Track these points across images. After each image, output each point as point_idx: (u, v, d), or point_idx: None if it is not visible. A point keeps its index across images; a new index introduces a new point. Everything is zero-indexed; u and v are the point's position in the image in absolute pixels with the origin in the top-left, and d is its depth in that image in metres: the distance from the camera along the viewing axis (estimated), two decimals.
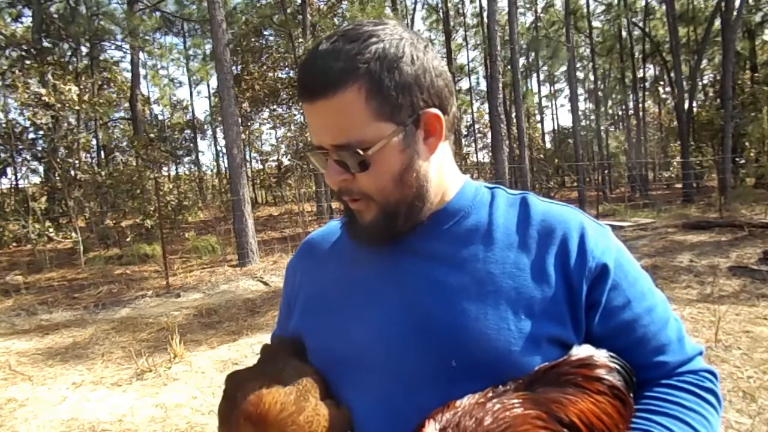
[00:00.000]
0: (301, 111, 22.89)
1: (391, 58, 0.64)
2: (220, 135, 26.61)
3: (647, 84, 24.63)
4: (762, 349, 3.60)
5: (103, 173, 12.04)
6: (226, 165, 11.70)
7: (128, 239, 11.32)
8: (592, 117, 24.44)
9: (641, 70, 23.20)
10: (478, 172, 23.56)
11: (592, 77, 24.46)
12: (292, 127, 26.01)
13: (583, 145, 21.12)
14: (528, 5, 25.06)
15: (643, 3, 21.18)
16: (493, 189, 0.78)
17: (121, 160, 19.98)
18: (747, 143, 15.68)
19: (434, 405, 0.58)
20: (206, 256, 10.01)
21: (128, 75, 18.48)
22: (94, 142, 17.87)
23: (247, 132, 24.61)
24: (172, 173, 24.14)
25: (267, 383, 0.67)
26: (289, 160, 25.19)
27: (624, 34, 21.81)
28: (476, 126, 29.08)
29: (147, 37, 19.46)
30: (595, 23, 23.93)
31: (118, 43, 18.14)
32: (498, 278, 0.67)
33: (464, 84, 30.08)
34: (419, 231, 0.72)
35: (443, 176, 0.73)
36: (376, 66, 0.63)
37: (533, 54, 24.76)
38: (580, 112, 21.68)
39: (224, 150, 14.62)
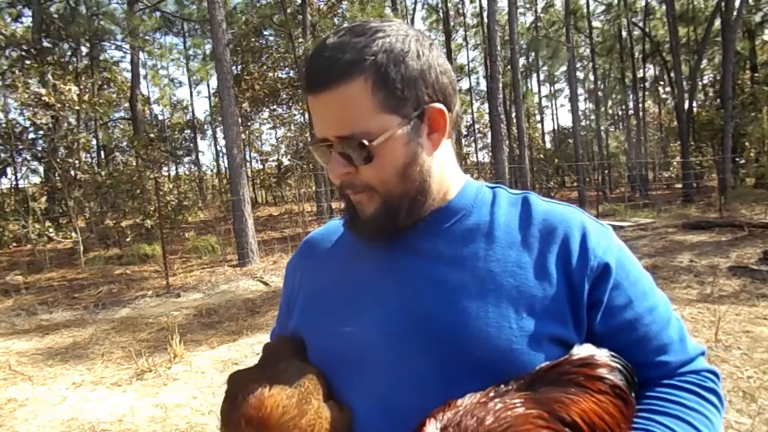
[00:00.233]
0: (301, 111, 22.97)
1: (397, 52, 0.65)
2: (220, 135, 26.64)
3: (647, 84, 24.63)
4: (762, 349, 3.60)
5: (103, 173, 12.04)
6: (226, 165, 11.71)
7: (128, 239, 11.32)
8: (592, 117, 24.45)
9: (641, 70, 23.21)
10: (478, 172, 23.55)
11: (592, 77, 24.48)
12: (292, 127, 26.04)
13: (583, 145, 21.13)
14: (528, 5, 25.07)
15: (643, 3, 21.19)
16: (495, 188, 0.79)
17: (121, 160, 19.98)
18: (747, 143, 15.68)
19: (435, 404, 0.58)
20: (206, 256, 10.01)
21: (128, 75, 18.49)
22: (94, 142, 17.88)
23: (247, 132, 24.61)
24: (172, 173, 24.15)
25: (269, 385, 0.66)
26: (289, 160, 25.19)
27: (624, 34, 21.81)
28: (476, 126, 29.08)
29: (147, 37, 19.46)
30: (595, 23, 23.97)
31: (118, 43, 18.15)
32: (499, 277, 0.67)
33: (464, 84, 30.02)
34: (420, 229, 0.72)
35: (445, 174, 0.74)
36: (382, 59, 0.64)
37: (533, 54, 24.77)
38: (580, 112, 21.69)
39: (224, 150, 14.63)
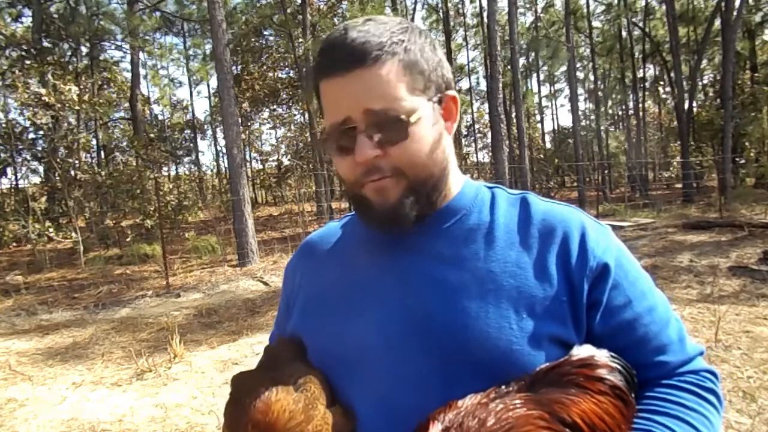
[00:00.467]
0: (301, 111, 22.96)
1: (422, 39, 0.69)
2: (220, 135, 26.64)
3: (647, 84, 24.63)
4: (762, 349, 3.60)
5: (103, 173, 12.04)
6: (226, 165, 11.71)
7: (128, 239, 11.32)
8: (592, 117, 24.44)
9: (641, 70, 23.20)
10: (478, 172, 23.56)
11: (592, 77, 24.46)
12: (292, 127, 26.07)
13: (583, 145, 21.12)
14: (528, 5, 25.06)
15: (643, 3, 21.18)
16: (493, 189, 0.79)
17: (121, 160, 19.98)
18: (747, 143, 15.67)
19: (435, 405, 0.58)
20: (206, 256, 10.01)
21: (128, 75, 18.49)
22: (94, 142, 17.88)
23: (247, 132, 24.62)
24: (172, 173, 24.14)
25: (275, 389, 0.66)
26: (289, 160, 25.21)
27: (624, 34, 21.80)
28: (476, 126, 29.08)
29: (147, 37, 19.46)
30: (595, 23, 23.96)
31: (118, 43, 18.16)
32: (499, 277, 0.67)
33: (464, 84, 30.07)
34: (420, 230, 0.72)
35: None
36: (411, 43, 0.67)
37: (533, 54, 24.77)
38: (580, 112, 21.68)
39: (224, 150, 14.63)
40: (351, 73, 0.64)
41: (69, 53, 16.71)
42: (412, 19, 22.58)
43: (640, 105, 23.19)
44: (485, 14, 14.96)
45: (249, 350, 4.47)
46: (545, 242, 0.70)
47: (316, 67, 0.69)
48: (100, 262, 9.92)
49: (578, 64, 24.69)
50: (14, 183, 14.58)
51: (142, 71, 22.06)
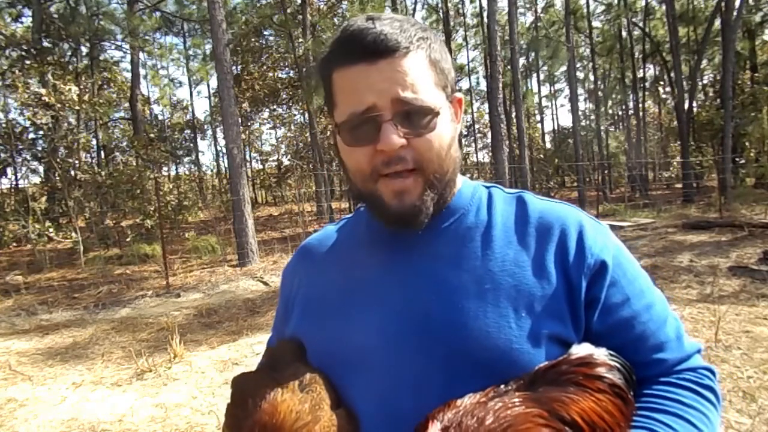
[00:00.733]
0: (301, 111, 22.96)
1: (439, 40, 0.71)
2: (220, 135, 26.64)
3: (647, 84, 24.60)
4: (762, 349, 3.60)
5: (103, 173, 12.04)
6: (226, 165, 11.71)
7: (128, 239, 11.32)
8: (592, 117, 24.44)
9: (641, 70, 23.18)
10: (478, 172, 23.57)
11: (592, 77, 24.45)
12: (292, 127, 26.06)
13: (583, 145, 21.10)
14: (528, 5, 25.07)
15: (643, 3, 21.16)
16: (490, 188, 0.79)
17: (121, 160, 19.97)
18: (747, 143, 15.65)
19: (435, 404, 0.58)
20: (206, 256, 10.01)
21: (128, 75, 18.49)
22: (94, 142, 17.86)
23: (247, 132, 24.62)
24: (172, 173, 24.15)
25: (280, 390, 0.66)
26: (289, 160, 25.22)
27: (624, 34, 21.78)
28: (476, 126, 29.08)
29: (147, 37, 19.45)
30: (595, 23, 23.95)
31: (118, 43, 18.15)
32: (497, 276, 0.67)
33: (464, 84, 30.04)
34: (420, 230, 0.72)
35: None
36: (433, 42, 0.69)
37: (533, 54, 24.75)
38: (580, 112, 21.68)
39: (224, 150, 14.62)
40: (381, 61, 0.64)
41: (69, 53, 16.71)
42: None
43: (640, 105, 23.17)
44: (485, 14, 14.96)
45: (249, 350, 4.47)
46: (543, 240, 0.70)
47: (335, 53, 0.67)
48: (100, 262, 9.92)
49: (578, 64, 24.70)
50: (14, 183, 14.59)
51: (142, 71, 22.09)
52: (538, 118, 33.09)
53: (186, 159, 27.87)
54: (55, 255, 10.71)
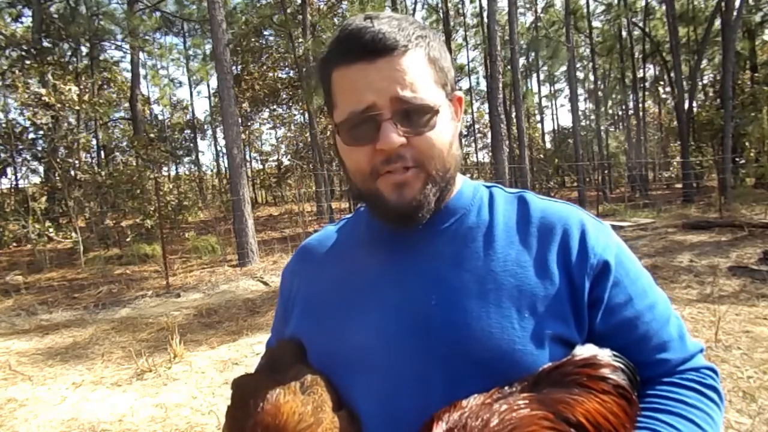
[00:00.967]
0: (301, 111, 22.95)
1: (439, 39, 0.70)
2: (220, 135, 26.65)
3: (647, 84, 24.61)
4: (762, 349, 3.60)
5: (103, 173, 12.03)
6: (226, 165, 11.70)
7: (128, 239, 11.32)
8: (592, 117, 24.44)
9: (641, 70, 23.18)
10: (478, 172, 23.57)
11: (592, 77, 24.46)
12: (292, 127, 26.06)
13: (583, 145, 21.11)
14: (528, 5, 25.07)
15: (643, 3, 21.16)
16: (491, 188, 0.79)
17: (121, 160, 19.98)
18: (747, 143, 15.64)
19: (437, 405, 0.58)
20: (206, 256, 10.01)
21: (128, 75, 18.49)
22: (94, 142, 17.85)
23: (247, 132, 24.62)
24: (172, 173, 24.14)
25: (282, 391, 0.65)
26: (289, 160, 25.22)
27: (624, 34, 21.78)
28: (476, 126, 29.07)
29: (147, 37, 19.44)
30: (595, 23, 23.95)
31: (118, 43, 18.15)
32: (500, 276, 0.67)
33: (464, 84, 30.05)
34: (420, 230, 0.71)
35: None
36: (433, 40, 0.68)
37: (533, 54, 24.75)
38: (580, 112, 21.68)
39: (224, 150, 14.62)
40: (380, 60, 0.63)
41: (69, 53, 16.70)
42: None
43: (640, 105, 23.17)
44: (485, 14, 14.96)
45: (249, 350, 4.46)
46: (545, 240, 0.69)
47: (334, 53, 0.67)
48: (100, 262, 9.92)
49: (578, 64, 24.70)
50: (14, 183, 14.59)
51: (142, 71, 22.08)
52: (538, 118, 33.11)
53: (186, 159, 27.89)
54: (55, 255, 10.71)
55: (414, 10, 21.79)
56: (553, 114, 55.81)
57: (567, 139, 22.38)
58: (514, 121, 18.52)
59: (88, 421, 3.24)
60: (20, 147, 12.24)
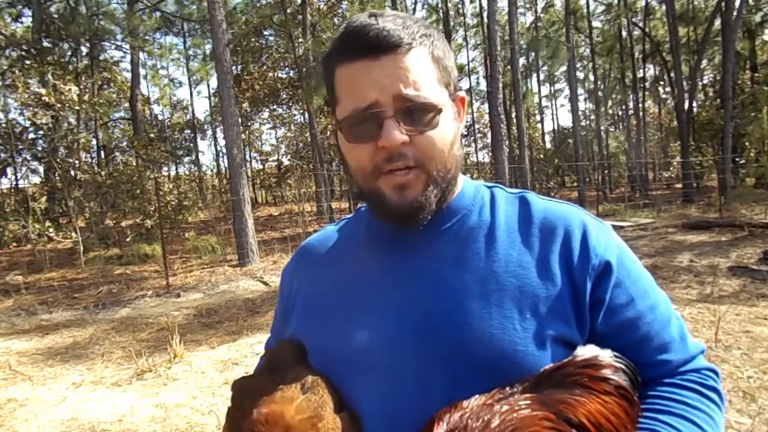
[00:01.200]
0: (301, 111, 22.95)
1: (442, 39, 0.70)
2: (220, 135, 26.64)
3: (647, 84, 24.60)
4: (762, 349, 3.60)
5: (103, 173, 12.03)
6: (226, 165, 11.70)
7: (128, 239, 11.32)
8: (592, 117, 24.44)
9: (641, 70, 23.17)
10: (478, 172, 23.57)
11: (592, 77, 24.45)
12: (292, 127, 26.06)
13: (583, 145, 21.10)
14: (528, 5, 25.06)
15: (643, 3, 21.16)
16: (492, 188, 0.79)
17: (121, 160, 19.97)
18: (747, 143, 15.65)
19: (437, 406, 0.58)
20: (206, 256, 10.01)
21: (128, 75, 18.49)
22: (94, 142, 17.85)
23: (247, 132, 24.62)
24: (172, 173, 24.14)
25: (282, 393, 0.65)
26: (289, 160, 25.22)
27: (624, 34, 21.78)
28: (476, 126, 29.07)
29: (147, 37, 19.43)
30: (595, 23, 23.95)
31: (118, 43, 18.16)
32: (501, 277, 0.67)
33: (464, 84, 30.04)
34: (421, 230, 0.71)
35: None
36: (436, 39, 0.68)
37: (533, 54, 24.73)
38: (580, 112, 21.68)
39: (224, 150, 14.62)
40: (384, 57, 0.63)
41: (69, 53, 16.70)
42: None
43: (640, 105, 23.17)
44: (485, 14, 14.95)
45: (249, 350, 4.46)
46: (547, 241, 0.69)
47: (337, 50, 0.67)
48: (100, 262, 9.92)
49: (578, 64, 24.69)
50: (14, 183, 14.59)
51: (142, 71, 22.09)
52: (538, 118, 33.11)
53: (186, 159, 27.89)
54: (55, 255, 10.71)
55: (414, 10, 21.79)
56: (553, 114, 55.93)
57: (567, 139, 22.38)
58: (514, 121, 18.53)
59: (88, 421, 3.24)
60: (20, 147, 12.24)
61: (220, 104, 9.69)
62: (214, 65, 10.23)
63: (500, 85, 12.33)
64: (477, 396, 0.58)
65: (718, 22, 16.35)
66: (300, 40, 14.94)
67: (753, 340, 3.78)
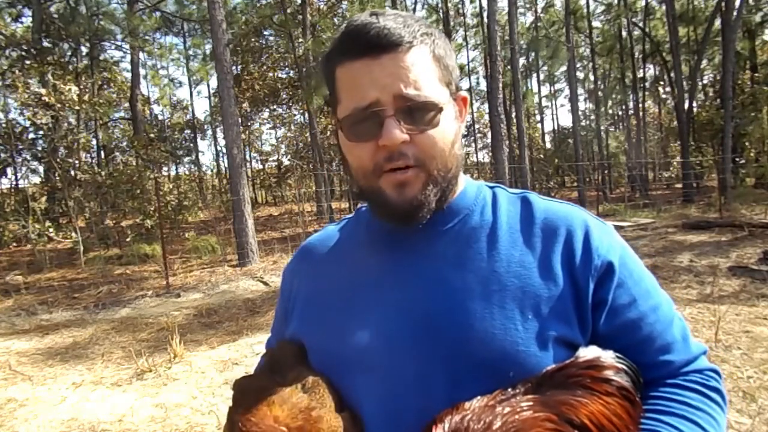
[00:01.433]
0: (301, 111, 22.95)
1: (444, 38, 0.70)
2: (220, 135, 26.64)
3: (647, 84, 24.60)
4: (762, 349, 3.60)
5: (103, 173, 12.03)
6: (226, 165, 11.70)
7: (128, 239, 11.32)
8: (592, 117, 24.44)
9: (641, 70, 23.17)
10: (478, 172, 23.56)
11: (592, 77, 24.45)
12: (292, 127, 26.06)
13: (583, 145, 21.11)
14: (528, 5, 25.05)
15: (643, 3, 21.16)
16: (494, 188, 0.78)
17: (121, 160, 19.97)
18: (747, 143, 15.65)
19: (438, 406, 0.58)
20: (206, 256, 10.01)
21: (128, 75, 18.48)
22: (94, 142, 17.85)
23: (247, 132, 24.62)
24: (172, 173, 24.13)
25: (283, 393, 0.65)
26: (289, 160, 25.22)
27: (624, 34, 21.78)
28: (476, 126, 29.06)
29: (147, 37, 19.43)
30: (595, 23, 23.95)
31: (118, 43, 18.15)
32: (503, 277, 0.67)
33: (464, 84, 30.05)
34: (422, 230, 0.71)
35: None
36: (438, 38, 0.68)
37: (533, 54, 24.72)
38: (580, 112, 21.68)
39: (224, 150, 14.62)
40: (384, 56, 0.63)
41: (69, 53, 16.69)
42: None
43: (640, 105, 23.16)
44: (485, 14, 14.95)
45: (249, 350, 4.46)
46: (549, 241, 0.69)
47: (338, 49, 0.67)
48: (100, 262, 9.92)
49: (578, 64, 24.69)
50: (14, 183, 14.59)
51: (142, 71, 22.08)
52: (538, 118, 33.11)
53: (186, 159, 27.89)
54: (55, 255, 10.71)
55: (414, 9, 21.79)
56: (553, 114, 55.94)
57: (567, 139, 22.38)
58: (514, 121, 18.53)
59: (88, 421, 3.24)
60: (20, 147, 12.23)
61: (220, 104, 9.69)
62: (214, 65, 10.23)
63: (500, 85, 12.32)
64: (479, 397, 0.58)
65: (718, 22, 16.36)
66: (300, 40, 14.94)
67: (753, 340, 3.78)
